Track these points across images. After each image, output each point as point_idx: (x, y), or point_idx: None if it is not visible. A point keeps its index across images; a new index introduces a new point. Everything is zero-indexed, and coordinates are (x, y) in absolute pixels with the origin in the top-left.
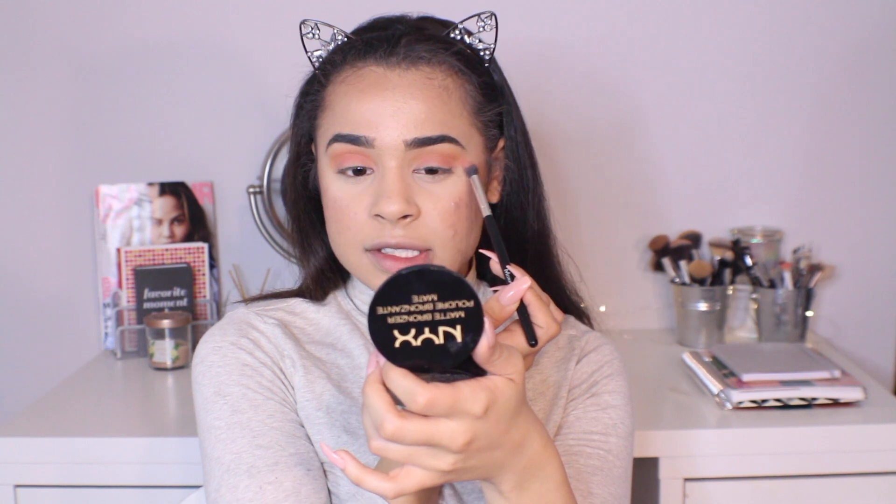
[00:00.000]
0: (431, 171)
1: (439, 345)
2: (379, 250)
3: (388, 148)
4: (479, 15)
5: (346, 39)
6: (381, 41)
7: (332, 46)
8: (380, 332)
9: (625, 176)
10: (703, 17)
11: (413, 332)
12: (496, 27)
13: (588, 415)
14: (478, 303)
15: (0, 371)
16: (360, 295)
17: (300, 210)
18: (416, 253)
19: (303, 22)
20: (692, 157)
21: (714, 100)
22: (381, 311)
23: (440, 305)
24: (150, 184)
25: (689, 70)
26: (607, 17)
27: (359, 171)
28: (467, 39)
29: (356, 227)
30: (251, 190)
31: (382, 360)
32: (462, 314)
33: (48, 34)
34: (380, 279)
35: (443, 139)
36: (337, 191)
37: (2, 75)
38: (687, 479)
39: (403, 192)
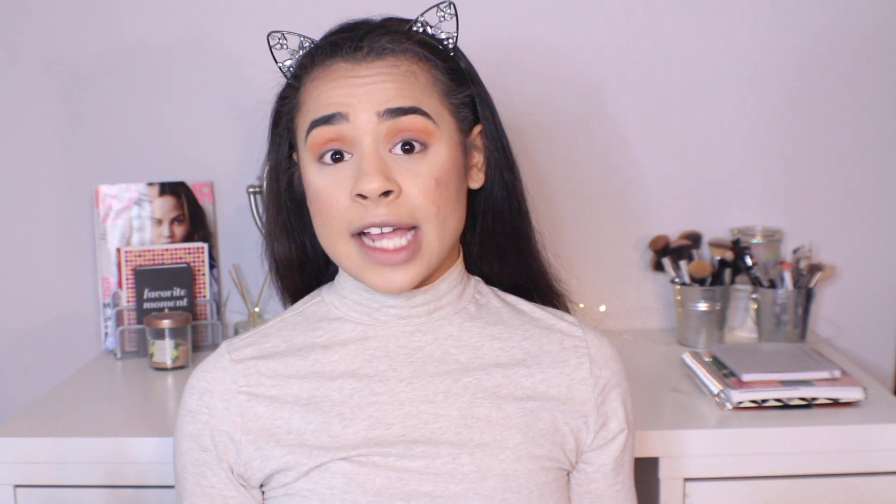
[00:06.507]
0: (408, 149)
1: None
2: (363, 235)
3: (362, 122)
4: (437, 6)
5: (312, 45)
6: (345, 40)
7: (300, 53)
8: None
9: (625, 176)
10: (700, 15)
11: None
12: (456, 15)
13: (605, 458)
14: None
15: (0, 371)
16: (351, 294)
17: (282, 212)
18: (403, 241)
19: (269, 34)
20: (692, 156)
21: (714, 99)
22: None
23: None
24: (150, 184)
25: (688, 69)
26: (607, 17)
27: (337, 158)
28: (429, 31)
29: (339, 214)
30: (251, 190)
31: None
32: None
33: (47, 34)
34: (369, 271)
35: (414, 110)
36: (318, 182)
37: (1, 75)
38: (687, 479)
39: (382, 169)
